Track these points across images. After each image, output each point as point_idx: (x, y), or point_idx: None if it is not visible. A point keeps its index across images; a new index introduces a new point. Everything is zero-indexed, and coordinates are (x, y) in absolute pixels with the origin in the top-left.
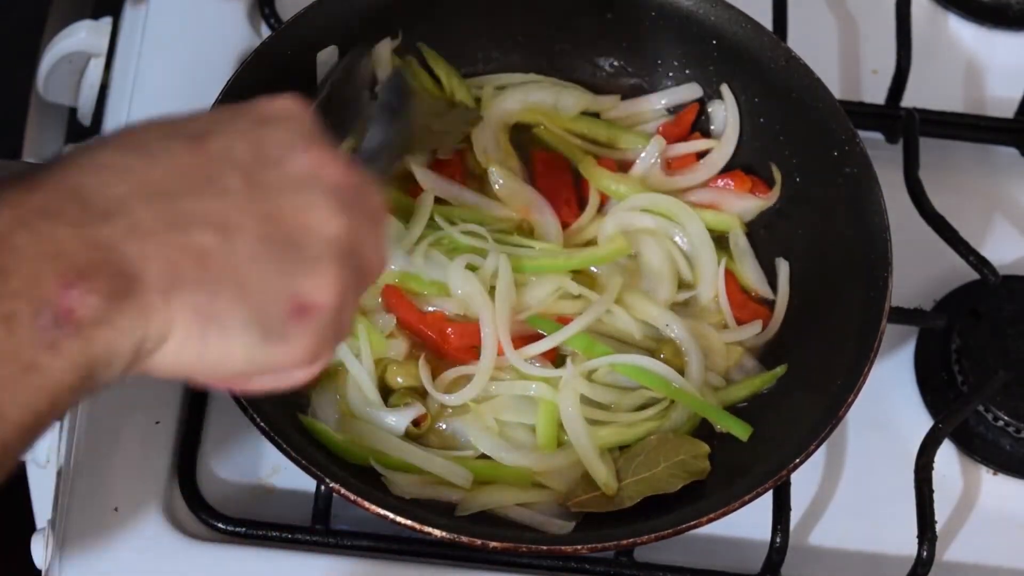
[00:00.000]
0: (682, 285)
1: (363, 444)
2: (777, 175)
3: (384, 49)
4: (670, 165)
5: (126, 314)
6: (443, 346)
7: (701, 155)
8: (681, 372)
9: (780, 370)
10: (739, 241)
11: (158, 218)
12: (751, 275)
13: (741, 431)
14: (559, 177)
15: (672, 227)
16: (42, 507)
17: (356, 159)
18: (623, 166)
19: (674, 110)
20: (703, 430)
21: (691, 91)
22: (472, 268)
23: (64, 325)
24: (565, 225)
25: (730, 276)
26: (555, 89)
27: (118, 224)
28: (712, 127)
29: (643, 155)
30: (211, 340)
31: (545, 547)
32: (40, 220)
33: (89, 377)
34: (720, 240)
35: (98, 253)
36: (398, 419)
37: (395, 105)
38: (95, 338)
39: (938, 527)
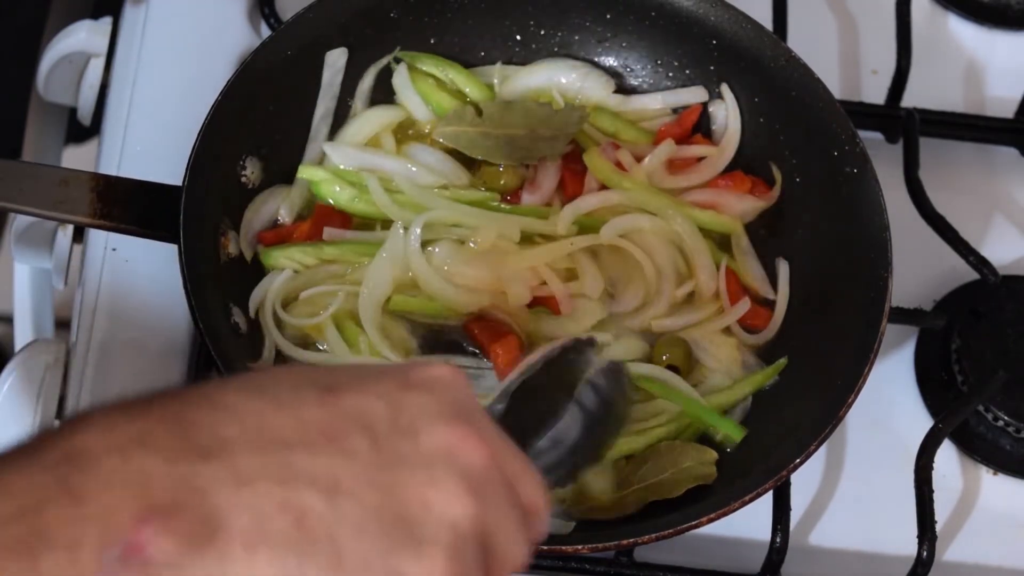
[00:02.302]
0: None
1: None
2: (777, 175)
3: (338, 58)
4: (672, 165)
5: (202, 563)
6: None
7: (702, 155)
8: (684, 370)
9: (782, 362)
10: (741, 242)
11: (263, 469)
12: (754, 276)
13: (736, 433)
14: (567, 165)
15: (663, 223)
16: None
17: (530, 455)
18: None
19: (677, 110)
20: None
21: (696, 94)
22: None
23: (130, 563)
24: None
25: (732, 276)
26: (584, 71)
27: (216, 467)
28: (713, 127)
29: (653, 154)
30: None
31: (545, 547)
32: (133, 445)
33: None
34: (722, 240)
35: (186, 493)
36: None
37: (602, 404)
38: None
39: (938, 527)
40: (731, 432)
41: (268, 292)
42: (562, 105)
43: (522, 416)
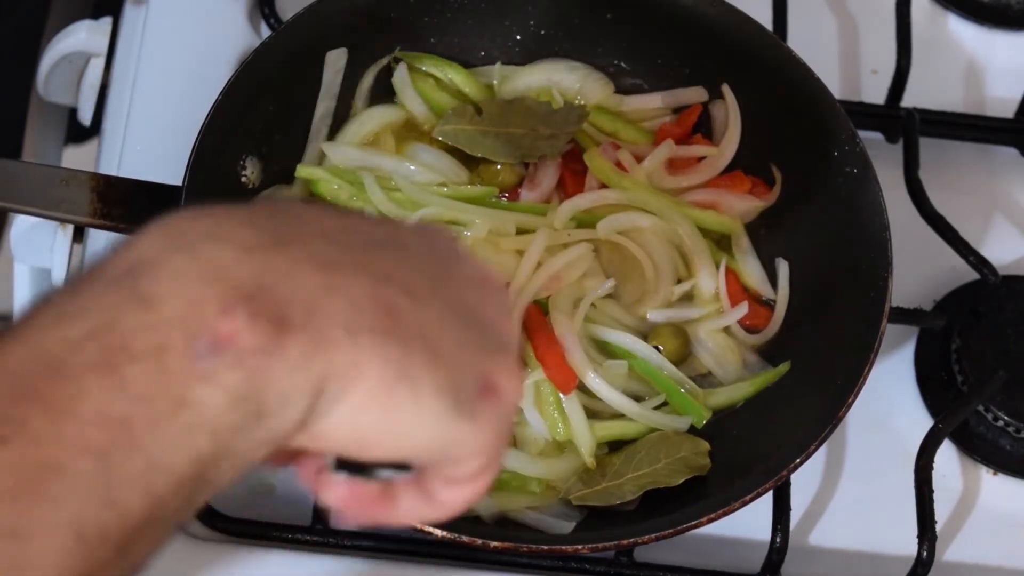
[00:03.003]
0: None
1: None
2: (777, 175)
3: (338, 58)
4: (672, 165)
5: (301, 345)
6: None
7: (702, 155)
8: (676, 362)
9: (784, 367)
10: (741, 242)
11: (344, 257)
12: (754, 276)
13: (698, 415)
14: (567, 164)
15: (662, 222)
16: None
17: None
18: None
19: (677, 110)
20: (703, 431)
21: (697, 94)
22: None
23: (222, 353)
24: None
25: (732, 276)
26: (584, 73)
27: (298, 250)
28: (714, 127)
29: (652, 154)
30: (400, 399)
31: (545, 547)
32: (202, 242)
33: (258, 415)
34: (722, 240)
35: (271, 276)
36: None
37: None
38: (260, 369)
39: (938, 527)
40: (695, 413)
41: None
42: (561, 104)
43: None
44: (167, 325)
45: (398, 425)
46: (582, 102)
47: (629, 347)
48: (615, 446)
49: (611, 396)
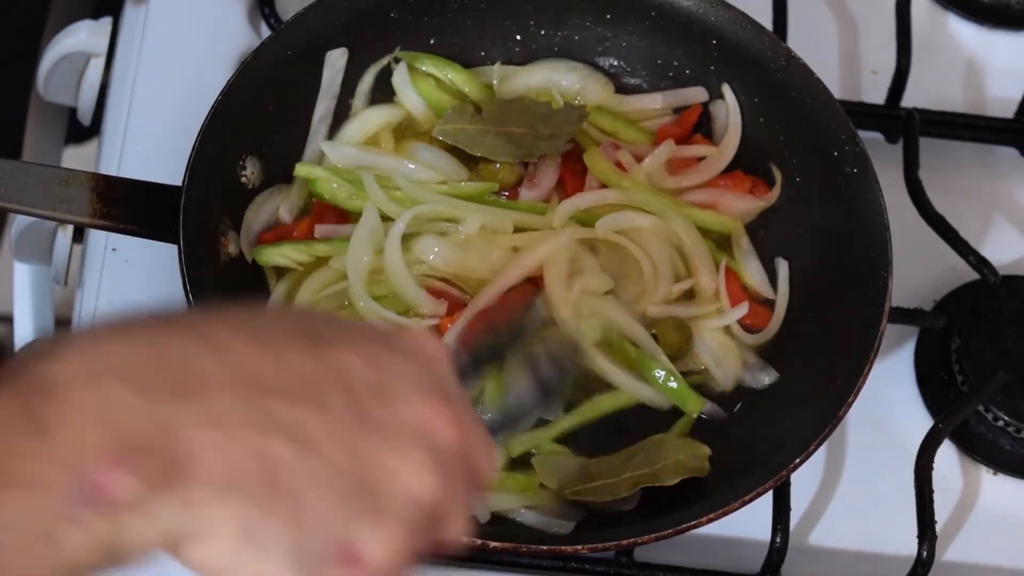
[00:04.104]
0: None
1: None
2: (777, 175)
3: (338, 58)
4: (672, 165)
5: (166, 504)
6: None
7: (702, 155)
8: (673, 358)
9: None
10: (742, 242)
11: (238, 412)
12: (753, 275)
13: (693, 405)
14: (567, 164)
15: (661, 222)
16: None
17: (484, 418)
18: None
19: (678, 110)
20: (703, 431)
21: (697, 94)
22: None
23: (93, 503)
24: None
25: (732, 276)
26: (584, 73)
27: (191, 405)
28: (714, 127)
29: (653, 154)
30: (246, 557)
31: (545, 547)
32: (107, 377)
33: (110, 557)
34: (722, 240)
35: (156, 432)
36: None
37: (554, 383)
38: (124, 522)
39: (938, 527)
40: (688, 404)
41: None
42: (561, 104)
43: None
44: (50, 460)
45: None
46: (582, 102)
47: (626, 328)
48: (616, 446)
49: (598, 359)
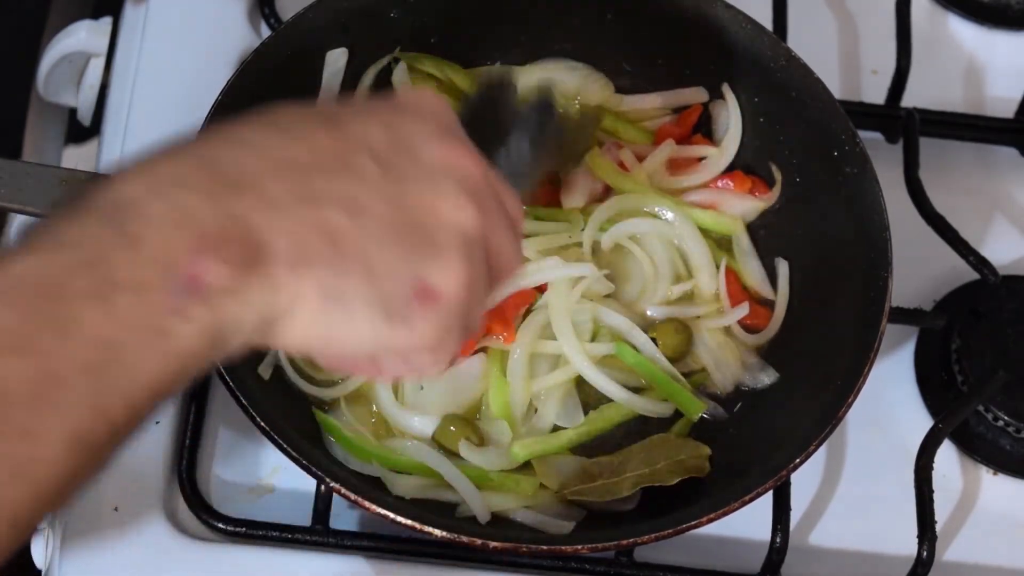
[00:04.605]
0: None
1: (371, 444)
2: (777, 175)
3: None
4: (673, 165)
5: (253, 285)
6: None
7: (703, 156)
8: (673, 359)
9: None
10: (742, 242)
11: (290, 193)
12: (754, 276)
13: (692, 407)
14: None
15: (664, 225)
16: None
17: (497, 174)
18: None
19: (678, 110)
20: (703, 431)
21: (697, 94)
22: None
23: (193, 293)
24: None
25: (733, 276)
26: (583, 73)
27: (250, 196)
28: (714, 127)
29: (653, 154)
30: (336, 318)
31: (545, 547)
32: (173, 189)
33: (216, 344)
34: (722, 240)
35: (229, 223)
36: (422, 422)
37: (539, 124)
38: (222, 307)
39: (938, 527)
40: (688, 406)
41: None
42: (563, 103)
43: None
44: (148, 263)
45: (340, 336)
46: (582, 101)
47: (626, 332)
48: (616, 446)
49: (592, 373)
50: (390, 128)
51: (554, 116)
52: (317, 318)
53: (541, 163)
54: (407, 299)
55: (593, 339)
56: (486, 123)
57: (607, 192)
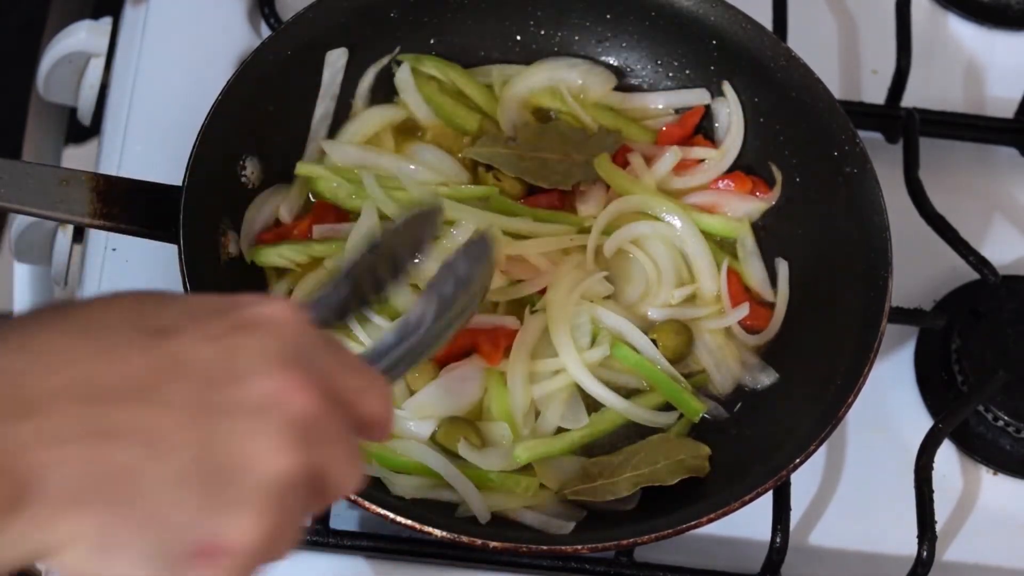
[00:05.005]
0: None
1: (371, 444)
2: (777, 175)
3: (338, 58)
4: (675, 165)
5: (14, 525)
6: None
7: (705, 156)
8: (674, 360)
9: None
10: (746, 243)
11: (80, 424)
12: (756, 277)
13: (692, 409)
14: None
15: (667, 228)
16: None
17: (369, 355)
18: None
19: (680, 110)
20: (703, 431)
21: (699, 96)
22: None
23: None
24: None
25: (734, 276)
26: (585, 68)
27: (35, 426)
28: (716, 126)
29: (661, 161)
30: (111, 562)
31: (545, 547)
32: None
33: None
34: (724, 242)
35: (8, 453)
36: (418, 425)
37: (460, 286)
38: None
39: (938, 527)
40: (689, 407)
41: None
42: (569, 103)
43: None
44: None
45: None
46: (584, 98)
47: (625, 333)
48: (615, 446)
49: (589, 383)
50: (222, 348)
51: (485, 267)
52: (91, 557)
53: (456, 316)
54: (187, 555)
55: (593, 340)
56: (403, 250)
57: (614, 196)
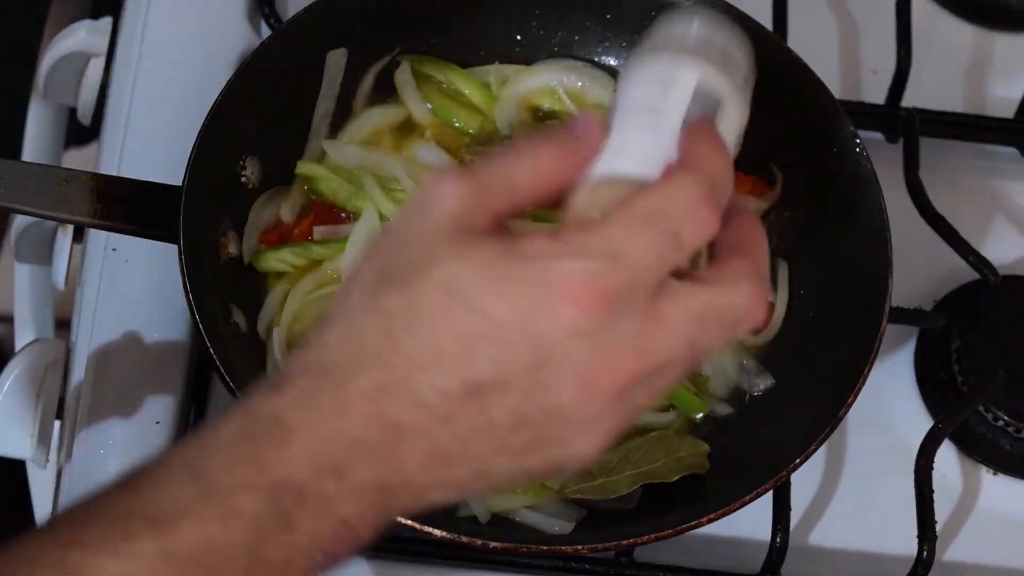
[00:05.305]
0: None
1: None
2: (777, 175)
3: (338, 58)
4: None
5: None
6: None
7: None
8: None
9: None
10: None
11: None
12: None
13: (692, 407)
14: None
15: None
16: (42, 507)
17: None
18: None
19: None
20: (702, 431)
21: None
22: None
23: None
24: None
25: None
26: (584, 71)
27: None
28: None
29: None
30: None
31: (545, 547)
32: (346, 478)
33: None
34: None
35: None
36: None
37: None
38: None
39: (938, 527)
40: (689, 406)
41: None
42: (567, 104)
43: None
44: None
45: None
46: (584, 100)
47: None
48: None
49: None
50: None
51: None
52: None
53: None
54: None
55: None
56: None
57: None
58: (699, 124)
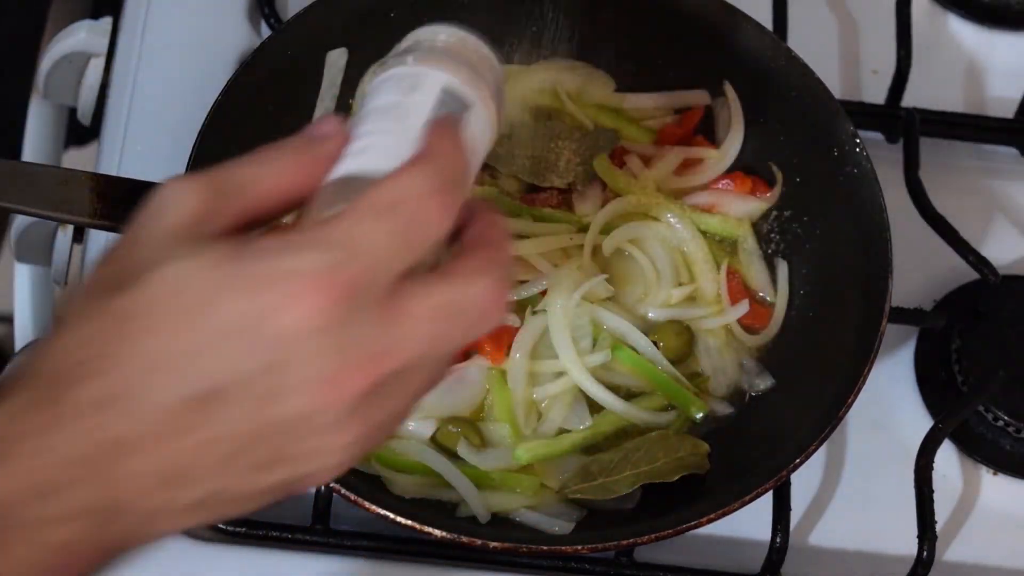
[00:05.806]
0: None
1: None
2: (777, 175)
3: (338, 58)
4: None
5: None
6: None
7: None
8: (674, 361)
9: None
10: (747, 243)
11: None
12: (758, 277)
13: (693, 407)
14: None
15: (665, 228)
16: None
17: None
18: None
19: (680, 110)
20: (702, 431)
21: (700, 97)
22: None
23: None
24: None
25: (735, 276)
26: (584, 72)
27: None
28: (716, 126)
29: (663, 162)
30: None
31: (545, 547)
32: (57, 504)
33: None
34: (725, 242)
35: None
36: (418, 425)
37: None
38: None
39: (938, 527)
40: (689, 406)
41: None
42: (567, 103)
43: None
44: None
45: None
46: (584, 101)
47: (626, 335)
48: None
49: (591, 387)
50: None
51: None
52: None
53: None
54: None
55: (594, 342)
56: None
57: (613, 196)
58: (439, 121)
